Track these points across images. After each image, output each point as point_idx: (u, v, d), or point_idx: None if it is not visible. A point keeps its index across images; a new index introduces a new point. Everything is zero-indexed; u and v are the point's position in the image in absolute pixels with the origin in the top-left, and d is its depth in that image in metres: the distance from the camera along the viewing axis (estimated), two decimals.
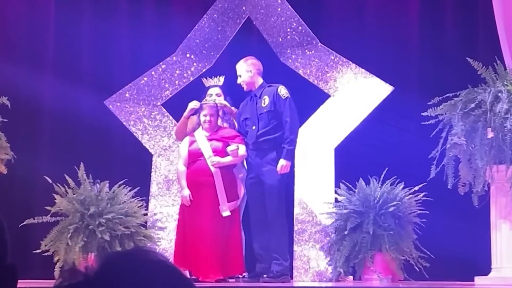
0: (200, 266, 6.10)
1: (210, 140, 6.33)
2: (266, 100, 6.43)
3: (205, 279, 6.03)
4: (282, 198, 6.39)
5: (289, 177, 6.51)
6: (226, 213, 6.16)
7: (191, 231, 6.18)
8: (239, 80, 6.54)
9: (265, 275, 6.27)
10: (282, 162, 6.24)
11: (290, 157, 6.32)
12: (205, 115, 6.35)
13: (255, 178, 6.36)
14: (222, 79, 6.60)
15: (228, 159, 6.27)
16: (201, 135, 6.36)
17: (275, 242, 6.28)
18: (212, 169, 6.22)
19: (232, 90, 6.68)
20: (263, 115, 6.41)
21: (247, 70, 6.52)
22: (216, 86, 6.58)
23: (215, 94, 6.54)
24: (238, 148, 6.27)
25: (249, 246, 6.42)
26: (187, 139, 6.41)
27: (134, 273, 1.18)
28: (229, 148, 6.26)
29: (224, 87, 6.62)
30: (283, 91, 6.41)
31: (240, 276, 6.35)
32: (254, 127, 6.41)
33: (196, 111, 6.46)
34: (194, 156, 6.30)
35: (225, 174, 6.25)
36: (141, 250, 1.22)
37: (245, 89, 6.54)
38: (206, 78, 6.69)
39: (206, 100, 6.44)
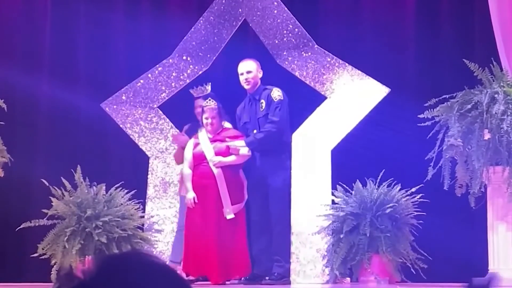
0: (205, 268, 6.10)
1: (213, 141, 6.33)
2: (263, 104, 6.45)
3: (212, 282, 6.05)
4: (285, 200, 6.40)
5: (285, 179, 6.50)
6: (230, 216, 6.13)
7: (196, 233, 6.17)
8: (247, 76, 6.48)
9: (266, 277, 6.27)
10: (239, 143, 6.25)
11: (251, 145, 6.30)
12: (206, 118, 6.34)
13: (258, 180, 6.36)
14: (209, 87, 6.57)
15: (230, 159, 6.26)
16: (204, 137, 6.35)
17: (278, 244, 6.29)
18: (215, 171, 6.21)
19: (229, 92, 6.68)
20: (261, 119, 6.43)
21: (258, 70, 6.54)
22: (200, 97, 6.54)
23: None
24: (238, 147, 6.26)
25: (250, 248, 6.41)
26: (191, 142, 6.40)
27: (130, 275, 1.18)
28: (230, 145, 6.25)
29: (220, 89, 6.60)
30: (275, 93, 6.42)
31: (241, 278, 6.35)
32: (255, 131, 6.41)
33: (201, 112, 6.44)
34: (199, 159, 6.29)
35: (229, 176, 6.22)
36: (137, 253, 1.23)
37: (248, 88, 6.50)
38: (194, 89, 6.67)
39: (207, 102, 6.41)
